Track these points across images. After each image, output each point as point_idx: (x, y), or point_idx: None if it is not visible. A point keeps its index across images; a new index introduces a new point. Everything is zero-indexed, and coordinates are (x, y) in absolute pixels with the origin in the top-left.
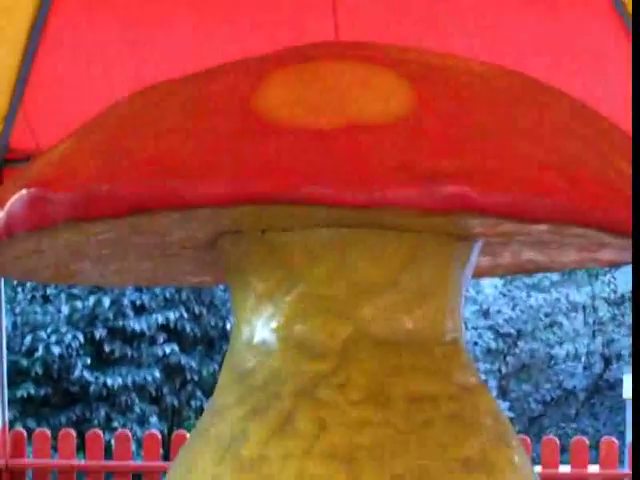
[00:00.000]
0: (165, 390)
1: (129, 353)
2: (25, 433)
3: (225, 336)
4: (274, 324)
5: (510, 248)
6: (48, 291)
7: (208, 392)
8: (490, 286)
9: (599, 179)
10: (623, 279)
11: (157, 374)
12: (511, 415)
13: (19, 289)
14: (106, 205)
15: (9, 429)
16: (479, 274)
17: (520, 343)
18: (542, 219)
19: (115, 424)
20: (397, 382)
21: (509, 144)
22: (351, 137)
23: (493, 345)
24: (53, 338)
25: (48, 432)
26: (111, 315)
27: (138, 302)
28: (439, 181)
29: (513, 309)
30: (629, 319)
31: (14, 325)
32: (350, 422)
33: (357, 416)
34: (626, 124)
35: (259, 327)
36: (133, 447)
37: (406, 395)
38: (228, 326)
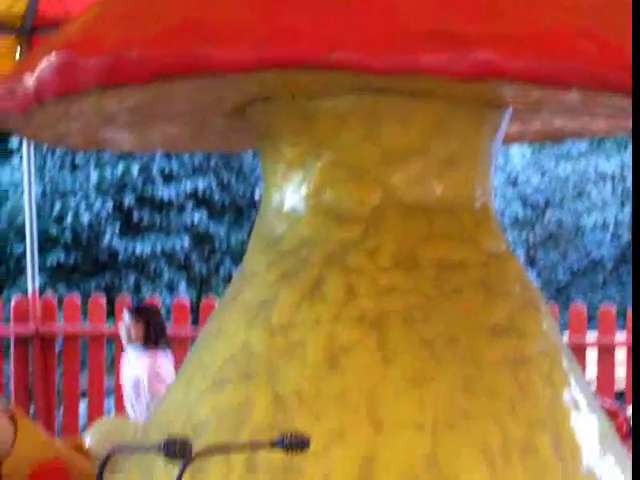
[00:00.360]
0: (194, 258)
1: (158, 221)
2: (55, 299)
3: (253, 204)
4: (304, 191)
5: (540, 116)
6: (77, 158)
7: (236, 260)
8: (518, 155)
9: (627, 46)
10: None
11: (186, 242)
12: (539, 284)
13: (48, 156)
14: (133, 70)
15: (39, 295)
16: (508, 140)
17: (548, 212)
18: (569, 84)
19: (144, 291)
20: (426, 249)
21: (539, 10)
22: (380, 3)
23: (521, 214)
24: (82, 205)
25: (78, 298)
26: (140, 183)
27: (167, 170)
28: (468, 47)
29: (542, 178)
30: None
31: (43, 192)
32: (379, 288)
33: (386, 282)
34: None
35: (289, 194)
36: (162, 314)
37: (435, 261)
38: (257, 194)
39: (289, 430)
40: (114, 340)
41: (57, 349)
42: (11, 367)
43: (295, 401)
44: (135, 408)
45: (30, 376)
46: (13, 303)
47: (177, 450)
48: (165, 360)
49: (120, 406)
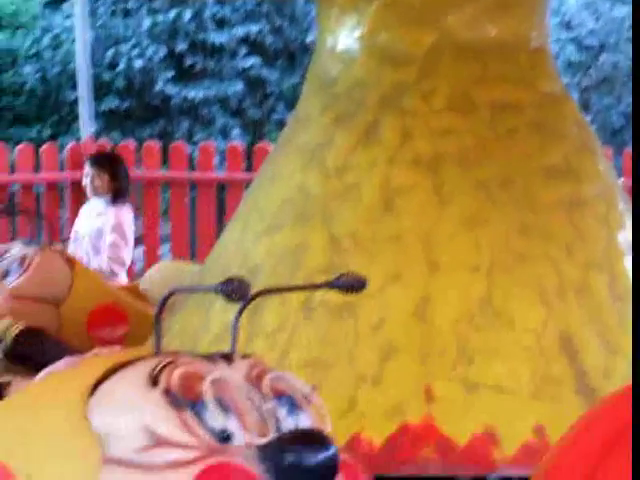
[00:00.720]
0: (247, 103)
1: (211, 66)
2: (109, 146)
3: (306, 50)
4: (358, 33)
5: None
6: (129, 4)
7: (289, 105)
8: None
9: None
10: None
11: (239, 87)
12: (593, 129)
13: (100, 2)
14: None
15: (95, 141)
16: None
17: (603, 56)
18: None
19: (198, 137)
20: (482, 90)
21: None
22: None
23: (575, 58)
24: (135, 52)
25: (132, 145)
26: (192, 28)
27: (219, 15)
28: None
29: (596, 21)
30: None
31: (96, 39)
32: (434, 130)
33: (441, 124)
34: None
35: (343, 36)
36: (216, 159)
37: (491, 103)
38: (309, 39)
39: (345, 271)
40: (168, 186)
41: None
42: (66, 214)
43: (351, 243)
44: (92, 262)
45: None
46: (67, 150)
47: (235, 290)
48: (129, 216)
49: (176, 252)
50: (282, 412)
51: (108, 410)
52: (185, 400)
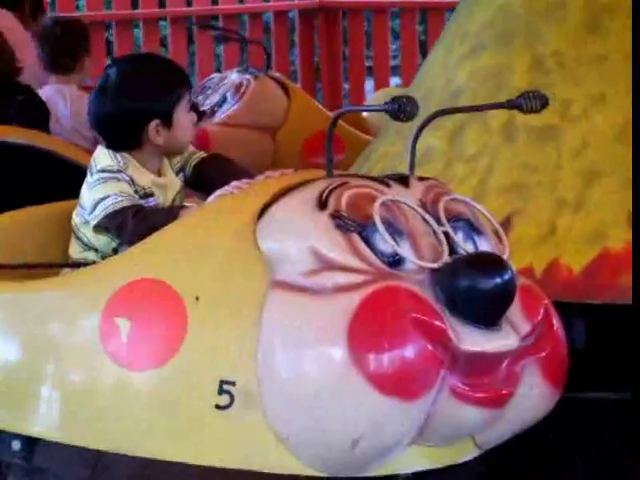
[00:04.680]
0: None
1: None
2: None
3: None
4: None
5: None
6: None
7: None
8: None
9: None
10: None
11: None
12: None
13: None
14: None
15: None
16: None
17: None
18: None
19: None
20: None
21: None
22: None
23: None
24: None
25: None
26: None
27: None
28: None
29: None
30: None
31: None
32: None
33: None
34: None
35: None
36: None
37: None
38: None
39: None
40: (399, 13)
41: (342, 23)
42: (296, 42)
43: (554, 64)
44: None
45: (315, 52)
46: None
47: (402, 110)
48: None
49: (406, 83)
50: (459, 235)
51: (276, 233)
52: (354, 222)
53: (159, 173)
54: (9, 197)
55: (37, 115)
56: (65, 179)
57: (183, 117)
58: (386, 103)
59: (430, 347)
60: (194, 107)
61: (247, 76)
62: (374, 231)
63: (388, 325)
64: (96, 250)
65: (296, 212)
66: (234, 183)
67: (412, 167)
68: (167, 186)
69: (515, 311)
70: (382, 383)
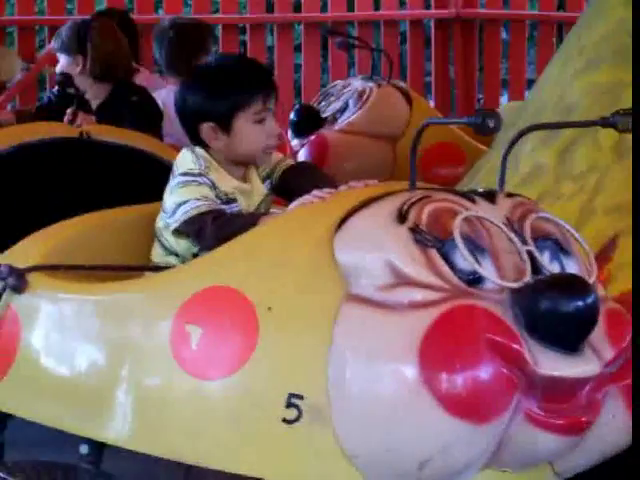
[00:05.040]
0: None
1: None
2: None
3: None
4: None
5: None
6: None
7: None
8: None
9: None
10: None
11: None
12: None
13: None
14: None
15: None
16: None
17: None
18: None
19: None
20: None
21: None
22: None
23: None
24: None
25: None
26: None
27: None
28: None
29: None
30: None
31: None
32: None
33: None
34: None
35: None
36: None
37: None
38: None
39: None
40: (537, 25)
41: (477, 34)
42: (431, 53)
43: None
44: None
45: (450, 62)
46: None
47: (484, 123)
48: None
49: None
50: (545, 255)
51: (353, 245)
52: (433, 238)
53: (244, 179)
54: (104, 196)
55: (149, 116)
56: (160, 181)
57: (246, 126)
58: (470, 115)
59: (504, 370)
60: (312, 114)
61: (370, 84)
62: (454, 247)
63: (461, 345)
64: (177, 255)
65: (375, 224)
66: (315, 192)
67: (502, 183)
68: (252, 192)
69: (599, 336)
70: (452, 404)
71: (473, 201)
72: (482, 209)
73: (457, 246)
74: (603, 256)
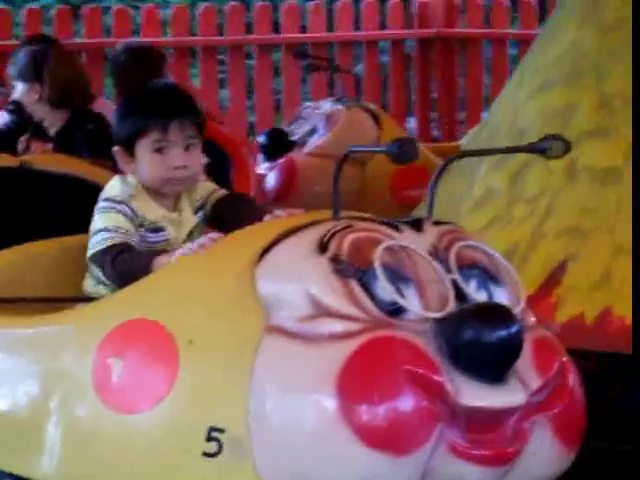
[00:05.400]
0: None
1: None
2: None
3: None
4: None
5: None
6: None
7: None
8: None
9: None
10: None
11: None
12: None
13: None
14: None
15: None
16: None
17: None
18: None
19: None
20: None
21: None
22: None
23: None
24: None
25: None
26: None
27: None
28: None
29: None
30: None
31: None
32: None
33: None
34: None
35: None
36: None
37: None
38: None
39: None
40: (518, 43)
41: (458, 53)
42: (412, 71)
43: (621, 104)
44: None
45: (431, 81)
46: (416, 5)
47: (403, 152)
48: None
49: None
50: (471, 284)
51: (274, 276)
52: (353, 268)
53: (174, 208)
54: (44, 227)
55: (106, 144)
56: None
57: (144, 154)
58: (391, 144)
59: (424, 401)
60: (281, 137)
61: (339, 106)
62: (375, 277)
63: (379, 376)
64: (105, 284)
65: (295, 254)
66: (199, 241)
67: (430, 211)
68: (181, 222)
69: (526, 365)
70: (370, 436)
71: (398, 230)
72: (407, 238)
73: (377, 276)
74: (553, 280)
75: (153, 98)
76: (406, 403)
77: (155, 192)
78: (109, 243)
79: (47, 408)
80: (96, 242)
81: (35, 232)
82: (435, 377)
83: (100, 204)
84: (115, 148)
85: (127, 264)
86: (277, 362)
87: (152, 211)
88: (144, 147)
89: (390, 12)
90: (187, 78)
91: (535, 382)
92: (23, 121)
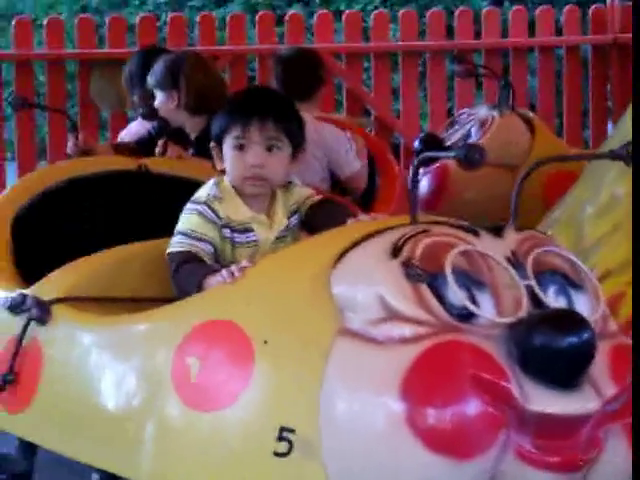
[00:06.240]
0: None
1: None
2: None
3: None
4: None
5: None
6: None
7: None
8: None
9: None
10: None
11: None
12: None
13: None
14: None
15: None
16: None
17: None
18: None
19: None
20: None
21: None
22: None
23: None
24: None
25: None
26: None
27: None
28: None
29: None
30: None
31: None
32: None
33: None
34: None
35: None
36: None
37: None
38: None
39: None
40: None
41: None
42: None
43: None
44: None
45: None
46: (591, 12)
47: (470, 156)
48: None
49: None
50: (550, 290)
51: (347, 279)
52: (424, 272)
53: (265, 210)
54: (157, 229)
55: None
56: None
57: (228, 151)
58: (459, 148)
59: (488, 406)
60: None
61: (493, 112)
62: (445, 282)
63: (443, 380)
64: None
65: (369, 259)
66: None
67: (514, 217)
68: (271, 225)
69: (601, 372)
70: (432, 440)
71: (477, 235)
72: (484, 243)
73: (448, 281)
74: None
75: (242, 98)
76: (469, 408)
77: (242, 193)
78: (177, 248)
79: (137, 407)
80: (171, 244)
81: (146, 234)
82: (502, 382)
83: (186, 205)
84: (211, 144)
85: (183, 277)
86: (348, 364)
87: (239, 212)
88: (228, 144)
89: (566, 17)
90: (359, 84)
91: (610, 390)
92: (165, 128)
